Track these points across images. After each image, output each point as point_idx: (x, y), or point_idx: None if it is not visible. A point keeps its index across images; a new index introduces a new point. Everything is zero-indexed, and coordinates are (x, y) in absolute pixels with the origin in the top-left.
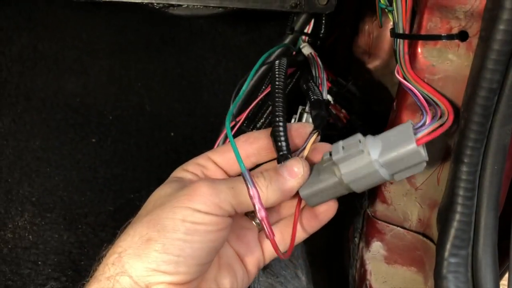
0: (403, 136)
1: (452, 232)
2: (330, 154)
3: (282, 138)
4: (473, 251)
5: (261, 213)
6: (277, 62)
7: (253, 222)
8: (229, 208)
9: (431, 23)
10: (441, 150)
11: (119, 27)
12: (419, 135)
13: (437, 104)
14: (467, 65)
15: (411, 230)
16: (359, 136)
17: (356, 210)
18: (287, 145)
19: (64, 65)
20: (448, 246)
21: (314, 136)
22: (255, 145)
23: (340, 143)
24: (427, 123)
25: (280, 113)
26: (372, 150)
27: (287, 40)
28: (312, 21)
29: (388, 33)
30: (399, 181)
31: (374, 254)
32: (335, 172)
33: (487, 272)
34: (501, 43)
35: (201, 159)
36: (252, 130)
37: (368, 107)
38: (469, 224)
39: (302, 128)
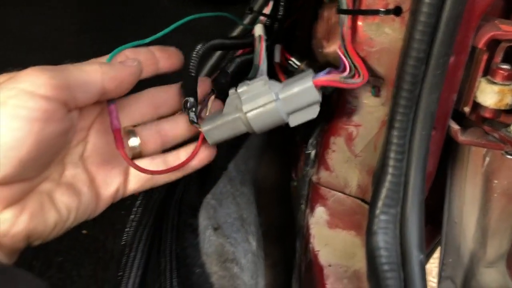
0: (302, 78)
1: (384, 192)
2: (236, 90)
3: (191, 86)
4: (402, 210)
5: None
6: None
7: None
8: (66, 92)
9: None
10: (378, 119)
11: (85, 6)
12: (317, 78)
13: (357, 71)
14: (401, 38)
15: (351, 196)
16: (264, 76)
17: (303, 178)
18: (195, 93)
19: (31, 41)
20: (379, 205)
21: (213, 96)
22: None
23: (246, 81)
24: (330, 73)
25: (193, 68)
26: (273, 86)
27: (246, 20)
28: (271, 2)
29: None
30: (340, 148)
31: (318, 219)
32: (237, 105)
33: (413, 229)
34: (426, 15)
35: None
36: None
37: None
38: (399, 185)
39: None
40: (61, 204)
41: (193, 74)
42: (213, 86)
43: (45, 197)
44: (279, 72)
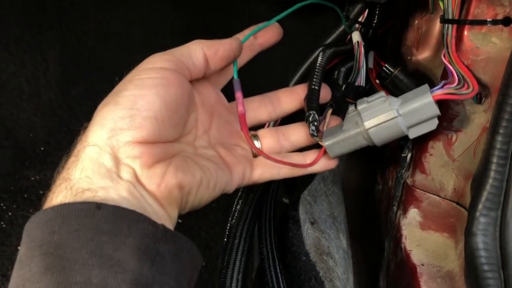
0: (420, 94)
1: (484, 195)
2: (355, 107)
3: (314, 101)
4: (502, 213)
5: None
6: (322, 51)
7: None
8: (178, 63)
9: (478, 10)
10: (479, 125)
11: (184, 11)
12: (434, 93)
13: (466, 82)
14: (508, 48)
15: (446, 199)
16: (382, 93)
17: (397, 180)
18: (317, 108)
19: (133, 43)
20: (479, 207)
21: (330, 110)
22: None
23: (365, 98)
24: (444, 87)
25: (317, 83)
26: (393, 102)
27: (341, 28)
28: (366, 11)
29: (436, 29)
30: (438, 153)
31: (410, 220)
32: (358, 122)
33: None
34: None
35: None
36: None
37: None
38: (500, 189)
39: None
40: (202, 165)
41: (316, 88)
42: (331, 100)
43: (188, 158)
44: (372, 77)
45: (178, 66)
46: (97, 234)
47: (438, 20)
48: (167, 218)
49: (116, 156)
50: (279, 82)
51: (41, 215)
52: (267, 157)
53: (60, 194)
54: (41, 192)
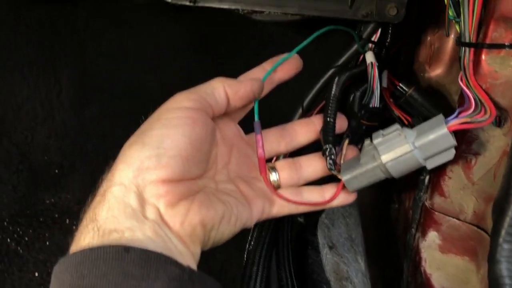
0: (435, 125)
1: (507, 221)
2: (371, 141)
3: (330, 133)
4: None
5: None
6: (336, 78)
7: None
8: (203, 102)
9: (496, 33)
10: (499, 149)
11: (196, 31)
12: (450, 123)
13: (484, 107)
14: None
15: (466, 222)
16: (397, 125)
17: (415, 203)
18: (334, 141)
19: (145, 63)
20: (502, 233)
21: (346, 141)
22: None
23: (380, 131)
24: (459, 115)
25: (332, 115)
26: (408, 135)
27: (354, 48)
28: (379, 30)
29: (448, 45)
30: (457, 176)
31: (430, 243)
32: (375, 156)
33: None
34: None
35: None
36: None
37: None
38: None
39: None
40: (224, 200)
41: (331, 121)
42: (347, 131)
43: (210, 193)
44: (387, 96)
45: (203, 105)
46: (126, 278)
47: (451, 37)
48: (191, 256)
49: (141, 195)
50: (292, 101)
51: (70, 258)
52: (287, 200)
53: (87, 235)
54: (56, 215)
